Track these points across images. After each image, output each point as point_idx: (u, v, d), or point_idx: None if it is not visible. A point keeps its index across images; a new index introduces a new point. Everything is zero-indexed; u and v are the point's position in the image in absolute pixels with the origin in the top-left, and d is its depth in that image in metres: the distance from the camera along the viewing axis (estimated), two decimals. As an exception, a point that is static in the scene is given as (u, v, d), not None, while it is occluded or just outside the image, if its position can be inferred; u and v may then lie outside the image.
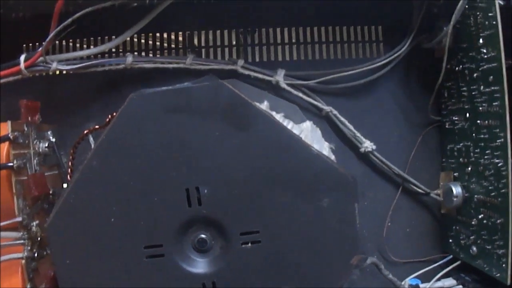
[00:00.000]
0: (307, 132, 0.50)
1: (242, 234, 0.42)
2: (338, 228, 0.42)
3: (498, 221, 0.45)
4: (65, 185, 0.52)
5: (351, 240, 0.43)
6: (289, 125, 0.49)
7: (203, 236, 0.43)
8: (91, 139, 0.48)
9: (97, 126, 0.48)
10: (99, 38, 0.56)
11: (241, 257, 0.42)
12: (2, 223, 0.46)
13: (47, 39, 0.46)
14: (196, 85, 0.42)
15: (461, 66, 0.50)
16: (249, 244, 0.42)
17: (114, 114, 0.44)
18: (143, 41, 0.56)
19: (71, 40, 0.55)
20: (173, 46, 0.56)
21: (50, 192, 0.50)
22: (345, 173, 0.42)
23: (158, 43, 0.56)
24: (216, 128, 0.41)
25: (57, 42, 0.54)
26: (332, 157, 0.51)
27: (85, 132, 0.48)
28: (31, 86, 0.52)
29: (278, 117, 0.49)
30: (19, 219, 0.46)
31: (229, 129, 0.41)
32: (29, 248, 0.47)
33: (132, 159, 0.42)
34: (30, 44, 0.56)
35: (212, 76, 0.51)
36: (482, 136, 0.47)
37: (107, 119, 0.47)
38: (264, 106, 0.50)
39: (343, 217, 0.42)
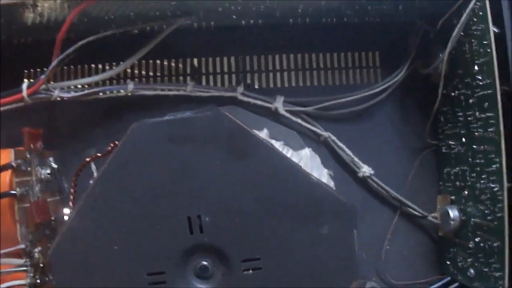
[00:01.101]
0: (307, 159, 0.51)
1: (244, 261, 0.42)
2: (338, 254, 0.43)
3: (495, 244, 0.45)
4: (66, 210, 0.53)
5: (350, 266, 0.43)
6: (288, 152, 0.50)
7: (204, 263, 0.43)
8: (93, 166, 0.48)
9: (99, 154, 0.48)
10: (100, 65, 0.56)
11: (242, 284, 0.43)
12: (5, 250, 0.46)
13: (50, 68, 0.47)
14: (198, 115, 0.43)
15: (457, 92, 0.50)
16: (250, 271, 0.43)
17: (116, 142, 0.45)
18: (143, 68, 0.57)
19: (72, 67, 0.56)
20: (173, 73, 0.57)
21: (52, 218, 0.50)
22: (344, 201, 0.43)
23: (158, 70, 0.57)
24: (217, 157, 0.42)
25: (58, 68, 0.54)
26: (331, 183, 0.52)
27: (87, 159, 0.48)
28: (32, 113, 0.52)
29: (278, 145, 0.50)
30: (22, 246, 0.47)
31: (230, 158, 0.42)
32: (31, 275, 0.47)
33: (134, 188, 0.42)
34: (32, 70, 0.56)
35: (213, 105, 0.51)
36: (478, 160, 0.48)
37: (109, 147, 0.48)
38: (263, 134, 0.50)
39: (342, 244, 0.43)
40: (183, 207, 0.42)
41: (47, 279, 0.49)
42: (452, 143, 0.52)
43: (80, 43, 0.47)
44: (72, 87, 0.52)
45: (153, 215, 0.42)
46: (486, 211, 0.47)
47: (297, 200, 0.42)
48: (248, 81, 0.57)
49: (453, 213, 0.51)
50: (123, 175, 0.42)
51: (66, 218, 0.52)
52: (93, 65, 0.56)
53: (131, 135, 0.42)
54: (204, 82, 0.57)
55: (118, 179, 0.42)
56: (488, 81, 0.45)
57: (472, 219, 0.49)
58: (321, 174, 0.51)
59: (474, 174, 0.49)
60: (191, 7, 0.49)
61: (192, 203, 0.42)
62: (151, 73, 0.57)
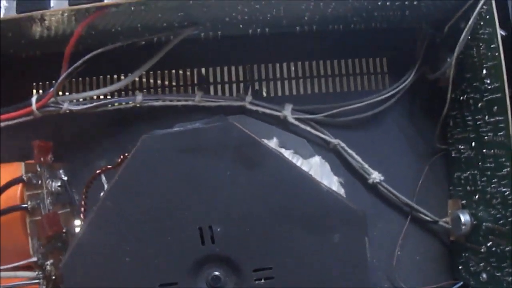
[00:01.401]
0: (316, 167, 0.51)
1: (255, 271, 0.42)
2: (350, 262, 0.43)
3: (507, 248, 0.45)
4: (77, 222, 0.53)
5: (362, 274, 0.43)
6: (298, 161, 0.50)
7: (216, 273, 0.43)
8: (103, 178, 0.49)
9: (109, 166, 0.49)
10: (108, 76, 0.56)
11: (255, 294, 0.43)
12: (18, 263, 0.46)
13: (58, 81, 0.47)
14: (207, 126, 0.43)
15: (465, 96, 0.50)
16: (262, 281, 0.43)
17: (126, 154, 0.45)
18: (151, 78, 0.57)
19: (80, 79, 0.56)
20: (181, 83, 0.57)
21: (64, 230, 0.50)
22: (355, 208, 0.43)
23: (166, 81, 0.57)
24: (227, 167, 0.42)
25: (67, 81, 0.55)
26: (342, 191, 0.52)
27: (98, 171, 0.49)
28: (42, 125, 0.52)
29: (287, 154, 0.50)
30: (34, 259, 0.47)
31: (240, 168, 0.42)
32: (44, 287, 0.47)
33: (145, 199, 0.42)
34: (40, 83, 0.56)
35: (222, 116, 0.52)
36: (488, 165, 0.47)
37: (119, 159, 0.48)
38: (273, 143, 0.50)
39: (354, 251, 0.43)
40: (194, 217, 0.42)
41: (59, 291, 0.49)
42: (462, 147, 0.52)
43: (88, 56, 0.47)
44: (81, 99, 0.52)
45: (164, 226, 0.42)
46: (497, 215, 0.46)
47: (308, 208, 0.42)
48: (256, 89, 0.57)
49: (464, 217, 0.50)
50: (133, 187, 0.42)
51: (77, 230, 0.52)
52: (101, 77, 0.56)
53: (141, 147, 0.42)
54: (212, 92, 0.57)
55: (129, 191, 0.42)
56: (497, 84, 0.45)
57: (484, 224, 0.48)
58: (331, 182, 0.51)
59: (484, 178, 0.48)
60: (197, 18, 0.49)
61: (203, 213, 0.42)
62: (159, 83, 0.57)
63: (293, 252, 0.42)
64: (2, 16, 0.44)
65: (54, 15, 0.45)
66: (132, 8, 0.45)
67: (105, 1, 0.43)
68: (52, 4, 0.44)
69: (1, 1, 0.45)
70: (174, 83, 0.57)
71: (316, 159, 0.52)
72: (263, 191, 0.42)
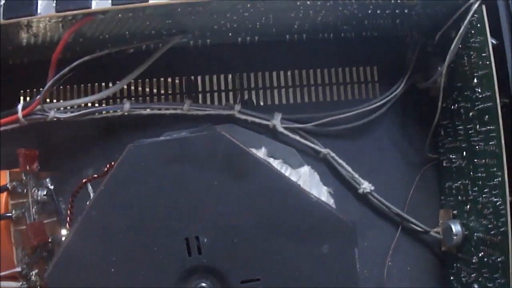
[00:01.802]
0: (306, 177, 0.50)
1: (243, 282, 0.42)
2: (339, 274, 0.42)
3: (499, 259, 0.45)
4: (63, 232, 0.52)
5: (351, 285, 0.42)
6: (287, 171, 0.49)
7: (203, 284, 0.42)
8: (89, 187, 0.48)
9: (95, 175, 0.48)
10: (96, 84, 0.56)
11: (242, 305, 0.42)
12: (2, 273, 0.46)
13: (45, 88, 0.47)
14: (194, 135, 0.42)
15: (456, 105, 0.50)
16: (250, 292, 0.42)
17: (113, 163, 0.44)
18: (139, 86, 0.56)
19: (68, 86, 0.56)
20: (169, 91, 0.57)
21: (49, 240, 0.50)
22: (344, 219, 0.42)
23: (154, 89, 0.57)
24: (214, 177, 0.41)
25: (54, 88, 0.54)
26: (331, 201, 0.51)
27: (84, 181, 0.48)
28: (28, 133, 0.51)
29: (276, 163, 0.49)
30: (19, 269, 0.46)
31: (227, 178, 0.41)
32: (28, 298, 0.47)
33: (131, 209, 0.42)
34: (28, 90, 0.56)
35: (209, 125, 0.51)
36: (479, 174, 0.47)
37: (105, 168, 0.47)
38: (262, 152, 0.50)
39: (343, 263, 0.42)
40: (180, 228, 0.41)
41: (44, 302, 0.48)
42: (453, 157, 0.52)
43: (75, 63, 0.46)
44: (68, 107, 0.51)
45: (150, 237, 0.41)
46: (489, 226, 0.46)
47: (297, 219, 0.42)
48: (246, 98, 0.57)
49: (456, 228, 0.50)
50: (119, 197, 0.42)
51: (63, 239, 0.52)
52: (89, 85, 0.56)
53: (127, 156, 0.42)
54: (201, 100, 0.57)
55: (115, 200, 0.42)
56: (488, 93, 0.45)
57: (475, 234, 0.48)
58: (321, 192, 0.51)
59: (476, 188, 0.48)
60: (186, 25, 0.49)
61: (190, 224, 0.42)
62: (147, 91, 0.57)
63: (281, 264, 0.42)
64: (-12, 22, 0.44)
65: (41, 22, 0.44)
66: (120, 15, 0.44)
67: (92, 8, 0.43)
68: (39, 10, 0.43)
69: (-12, 8, 0.44)
70: (162, 91, 0.57)
71: (306, 169, 0.52)
72: (251, 201, 0.42)
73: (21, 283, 0.47)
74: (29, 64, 0.55)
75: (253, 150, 0.43)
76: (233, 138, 0.42)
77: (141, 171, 0.42)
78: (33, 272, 0.48)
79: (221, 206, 0.42)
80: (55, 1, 0.43)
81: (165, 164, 0.41)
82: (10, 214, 0.45)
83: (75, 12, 0.43)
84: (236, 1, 0.44)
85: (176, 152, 0.41)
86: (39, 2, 0.44)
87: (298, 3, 0.45)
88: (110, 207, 0.42)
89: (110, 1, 0.43)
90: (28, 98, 0.55)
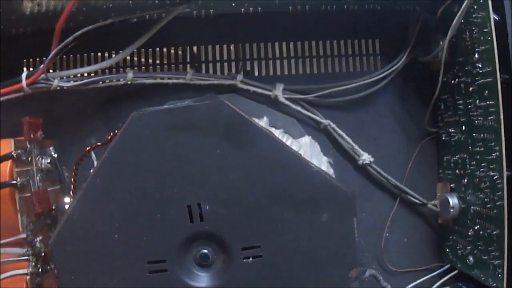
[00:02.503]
0: (306, 147, 0.51)
1: (244, 249, 0.43)
2: (338, 242, 0.43)
3: (494, 232, 0.45)
4: (66, 199, 0.53)
5: (350, 253, 0.43)
6: (288, 141, 0.50)
7: (205, 251, 0.43)
8: (93, 155, 0.49)
9: (99, 143, 0.49)
10: (99, 53, 0.56)
11: (242, 272, 0.43)
12: (6, 240, 0.46)
13: (49, 57, 0.47)
14: (197, 103, 0.43)
15: (457, 80, 0.50)
16: (250, 259, 0.43)
17: (116, 131, 0.45)
18: (143, 56, 0.57)
19: (71, 56, 0.56)
20: (172, 61, 0.57)
21: (53, 207, 0.50)
22: (344, 189, 0.43)
23: (157, 58, 0.57)
24: (216, 145, 0.42)
25: (58, 57, 0.54)
26: (331, 171, 0.52)
27: (87, 149, 0.49)
28: (32, 102, 0.52)
29: (278, 133, 0.50)
30: (23, 235, 0.47)
31: (229, 147, 0.42)
32: (33, 264, 0.47)
33: (134, 177, 0.42)
34: (31, 60, 0.56)
35: (212, 94, 0.51)
36: (477, 149, 0.48)
37: (109, 136, 0.48)
38: (263, 122, 0.50)
39: (342, 231, 0.43)
40: (183, 195, 0.42)
41: (48, 267, 0.49)
42: (452, 131, 0.52)
43: (78, 32, 0.47)
44: (72, 76, 0.51)
45: (153, 204, 0.42)
46: (485, 199, 0.47)
47: (297, 188, 0.42)
48: (248, 68, 0.57)
49: (453, 201, 0.51)
50: (122, 164, 0.42)
51: (67, 207, 0.52)
52: (92, 54, 0.56)
53: (130, 124, 0.42)
54: (204, 70, 0.57)
55: (118, 168, 0.42)
56: (489, 69, 0.45)
57: (472, 207, 0.49)
58: (321, 162, 0.51)
59: (474, 162, 0.49)
60: (190, -6, 0.49)
61: (192, 191, 0.42)
62: (150, 61, 0.57)
63: (281, 231, 0.43)
64: (-8, -9, 0.44)
65: (45, -9, 0.44)
66: (124, -16, 0.44)
67: (96, -23, 0.43)
68: (43, -21, 0.44)
69: (-8, -23, 0.45)
70: (165, 61, 0.57)
71: (306, 139, 0.52)
72: (252, 169, 0.42)
73: (26, 249, 0.47)
74: (32, 34, 0.54)
75: (255, 120, 0.43)
76: (236, 107, 0.42)
77: (144, 139, 0.42)
78: (38, 238, 0.48)
79: (223, 174, 0.42)
80: (59, -31, 0.44)
81: (168, 132, 0.42)
82: (15, 182, 0.46)
83: (79, -20, 0.43)
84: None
85: (179, 120, 0.42)
86: (43, -29, 0.44)
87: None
88: (114, 175, 0.42)
89: (115, -31, 0.44)
90: (31, 68, 0.55)
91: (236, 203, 0.42)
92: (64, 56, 0.55)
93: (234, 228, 0.43)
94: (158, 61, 0.57)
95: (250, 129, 0.42)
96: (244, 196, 0.42)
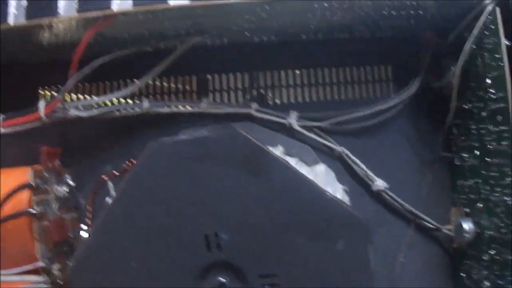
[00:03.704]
0: (322, 175, 0.51)
1: (261, 277, 0.43)
2: (353, 270, 0.43)
3: (510, 257, 0.45)
4: (83, 227, 0.53)
5: (366, 281, 0.43)
6: (303, 169, 0.50)
7: (222, 280, 0.43)
8: (110, 184, 0.49)
9: (115, 172, 0.49)
10: (115, 82, 0.56)
11: (259, 300, 0.43)
12: (25, 268, 0.47)
13: (66, 87, 0.48)
14: (214, 134, 0.43)
15: (470, 105, 0.51)
16: (268, 287, 0.43)
17: (132, 160, 0.45)
18: (158, 84, 0.57)
19: (87, 84, 0.56)
20: (187, 89, 0.57)
21: (70, 235, 0.51)
22: (359, 216, 0.43)
23: (173, 87, 0.57)
24: (233, 175, 0.42)
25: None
26: (346, 199, 0.52)
27: (104, 178, 0.49)
28: (48, 130, 0.52)
29: (293, 162, 0.50)
30: (41, 263, 0.47)
31: (246, 176, 0.42)
32: (51, 292, 0.48)
33: (151, 206, 0.43)
34: (47, 88, 0.57)
35: (228, 124, 0.52)
36: (491, 173, 0.48)
37: (125, 165, 0.48)
38: (278, 150, 0.51)
39: (358, 259, 0.43)
40: (200, 224, 0.42)
41: (65, 295, 0.49)
42: (466, 155, 0.52)
43: (95, 62, 0.47)
44: (88, 105, 0.52)
45: (170, 233, 0.42)
46: (500, 224, 0.47)
47: (313, 216, 0.43)
48: (262, 97, 0.57)
49: (468, 225, 0.51)
50: (140, 194, 0.43)
51: (83, 234, 0.53)
52: (107, 83, 0.56)
53: (147, 154, 0.42)
54: (218, 98, 0.57)
55: (135, 197, 0.43)
56: (501, 94, 0.45)
57: (487, 232, 0.49)
58: (336, 189, 0.52)
59: (488, 187, 0.49)
60: (204, 26, 0.50)
61: (209, 220, 0.42)
62: (165, 90, 0.57)
63: (298, 259, 0.43)
64: (11, 22, 0.45)
65: (62, 23, 0.45)
66: (140, 17, 0.45)
67: (113, 9, 0.44)
68: (60, 11, 0.44)
69: (10, 8, 0.45)
70: (180, 89, 0.57)
71: (321, 167, 0.52)
72: (269, 198, 0.42)
73: (43, 277, 0.48)
74: (48, 63, 0.55)
75: (270, 148, 0.44)
76: (252, 137, 0.43)
77: (162, 169, 0.42)
78: (55, 266, 0.48)
79: (240, 203, 0.42)
80: (76, 2, 0.45)
81: (185, 162, 0.42)
82: (34, 211, 0.46)
83: (96, 13, 0.44)
84: (255, 3, 0.45)
85: (196, 150, 0.42)
86: (60, 3, 0.45)
87: (315, 5, 0.46)
88: (131, 204, 0.43)
89: (131, 2, 0.44)
90: (47, 97, 0.56)
91: (253, 231, 0.42)
92: (81, 85, 0.56)
93: (251, 256, 0.43)
94: (173, 90, 0.57)
95: (266, 158, 0.42)
96: (260, 225, 0.42)
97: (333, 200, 0.43)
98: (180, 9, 0.44)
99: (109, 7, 0.44)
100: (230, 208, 0.42)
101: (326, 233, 0.43)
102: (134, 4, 0.44)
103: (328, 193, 0.43)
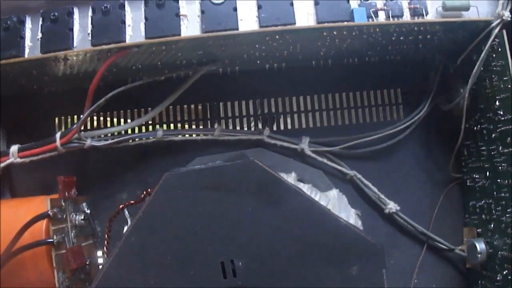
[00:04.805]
0: (334, 201, 0.51)
1: (276, 304, 0.43)
2: (368, 294, 0.44)
3: (523, 277, 0.46)
4: (99, 254, 0.54)
5: (381, 305, 0.44)
6: (317, 195, 0.51)
7: (238, 306, 0.44)
8: (126, 212, 0.50)
9: (132, 201, 0.50)
10: (129, 111, 0.57)
11: (276, 327, 0.44)
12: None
13: (82, 118, 0.49)
14: (228, 163, 0.44)
15: (479, 126, 0.51)
16: (283, 314, 0.43)
17: (149, 190, 0.46)
18: (171, 113, 0.58)
19: (101, 113, 0.57)
20: (200, 117, 0.58)
21: (87, 262, 0.52)
22: (372, 241, 0.43)
23: (186, 115, 0.58)
24: (248, 203, 0.43)
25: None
26: (359, 223, 0.52)
27: (121, 206, 0.50)
28: (64, 159, 0.53)
29: (306, 188, 0.51)
30: (60, 292, 0.48)
31: (260, 204, 0.43)
32: (69, 319, 0.48)
33: (168, 235, 0.43)
34: (62, 117, 0.58)
35: (242, 151, 0.53)
36: (502, 194, 0.48)
37: (142, 194, 0.49)
38: (291, 177, 0.51)
39: (372, 283, 0.43)
40: (216, 252, 0.43)
41: (84, 323, 0.50)
42: (477, 176, 0.53)
43: (110, 94, 0.48)
44: (103, 135, 0.53)
45: (187, 261, 0.43)
46: (513, 244, 0.47)
47: (327, 242, 0.43)
48: (274, 123, 0.58)
49: (480, 246, 0.51)
50: (156, 223, 0.43)
51: (100, 261, 0.53)
52: (122, 112, 0.58)
53: (164, 184, 0.43)
54: (231, 125, 0.58)
55: (152, 226, 0.43)
56: (510, 116, 0.46)
57: (499, 252, 0.49)
58: (349, 215, 0.52)
59: (499, 208, 0.49)
60: (216, 55, 0.51)
61: (225, 248, 0.43)
62: (178, 118, 0.58)
63: (313, 285, 0.43)
64: (26, 55, 0.46)
65: (77, 55, 0.46)
66: (153, 48, 0.46)
67: (127, 42, 0.45)
68: (75, 44, 0.46)
69: (26, 41, 0.46)
70: (193, 117, 0.58)
71: (334, 192, 0.53)
72: (283, 226, 0.43)
73: (61, 305, 0.49)
74: (64, 93, 0.56)
75: (283, 175, 0.44)
76: (265, 166, 0.43)
77: (177, 198, 0.43)
78: (73, 294, 0.49)
79: (255, 231, 0.43)
80: (90, 35, 0.46)
81: (201, 191, 0.43)
82: (52, 240, 0.47)
83: (110, 46, 0.45)
84: (265, 33, 0.46)
85: (211, 180, 0.43)
86: (75, 36, 0.46)
87: (324, 34, 0.47)
88: (148, 233, 0.43)
89: (143, 35, 0.45)
90: (63, 126, 0.57)
91: (268, 258, 0.43)
92: (95, 116, 0.57)
93: (266, 283, 0.43)
94: (186, 118, 0.58)
95: (280, 187, 0.43)
96: (275, 252, 0.43)
97: (347, 227, 0.43)
98: (191, 40, 0.45)
99: (122, 40, 0.45)
100: (246, 236, 0.43)
101: (340, 259, 0.43)
102: (147, 37, 0.45)
103: (342, 220, 0.43)
